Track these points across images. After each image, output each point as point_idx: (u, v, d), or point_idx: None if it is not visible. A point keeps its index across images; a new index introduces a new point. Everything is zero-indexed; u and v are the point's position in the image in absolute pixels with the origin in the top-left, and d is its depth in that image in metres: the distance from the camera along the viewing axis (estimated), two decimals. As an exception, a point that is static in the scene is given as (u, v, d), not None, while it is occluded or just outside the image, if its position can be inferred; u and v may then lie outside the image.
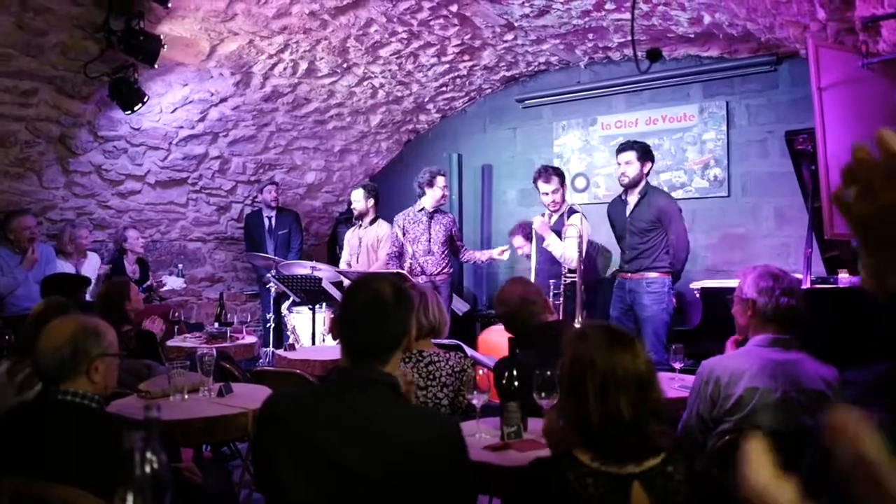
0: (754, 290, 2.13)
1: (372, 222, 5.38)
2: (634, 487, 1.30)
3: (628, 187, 4.29)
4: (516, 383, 2.05)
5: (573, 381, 1.41)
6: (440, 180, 4.92)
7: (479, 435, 2.06)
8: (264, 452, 1.50)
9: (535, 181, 4.60)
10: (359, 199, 5.33)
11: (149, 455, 1.10)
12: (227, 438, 3.25)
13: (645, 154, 4.25)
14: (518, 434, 1.99)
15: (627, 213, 4.30)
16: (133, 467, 1.08)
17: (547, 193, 4.53)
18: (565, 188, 4.58)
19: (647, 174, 4.27)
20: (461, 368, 2.37)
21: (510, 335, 2.48)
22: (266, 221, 6.23)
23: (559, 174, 4.55)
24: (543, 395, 2.02)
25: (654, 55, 3.08)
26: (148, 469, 1.10)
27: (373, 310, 1.51)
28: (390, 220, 5.25)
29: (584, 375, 1.38)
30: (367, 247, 5.39)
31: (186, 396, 2.58)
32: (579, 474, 1.33)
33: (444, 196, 4.95)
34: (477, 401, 2.10)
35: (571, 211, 4.51)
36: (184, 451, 2.61)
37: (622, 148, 4.34)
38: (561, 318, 4.25)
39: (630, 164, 4.25)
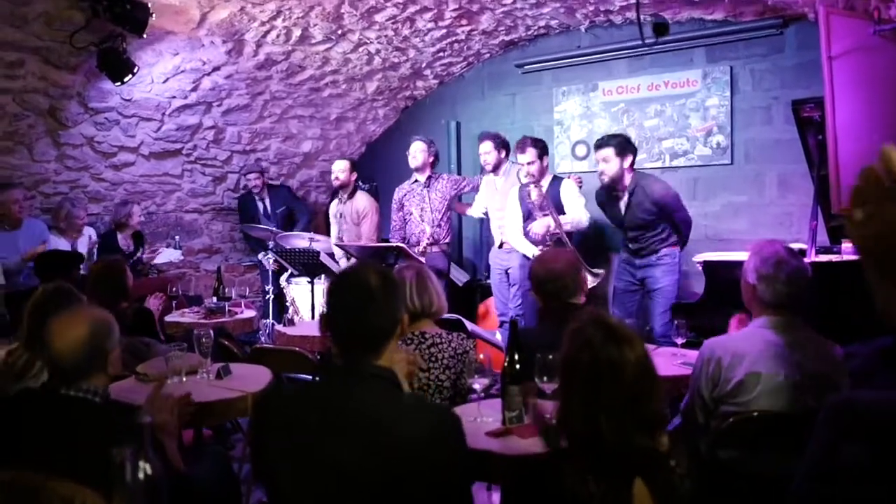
0: (755, 276, 2.08)
1: (351, 195, 5.33)
2: (636, 484, 1.28)
3: (610, 186, 4.01)
4: (518, 366, 2.03)
5: (567, 385, 1.40)
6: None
7: (480, 419, 2.03)
8: (260, 448, 1.48)
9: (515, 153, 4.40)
10: (343, 171, 5.27)
11: (141, 464, 1.08)
12: (226, 421, 3.25)
13: (624, 149, 3.92)
14: (520, 418, 1.96)
15: (622, 209, 4.05)
16: (125, 477, 1.06)
17: (523, 165, 4.31)
18: (545, 160, 4.37)
19: (631, 167, 3.97)
20: (463, 350, 2.34)
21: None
22: (260, 205, 6.07)
23: (537, 145, 4.31)
24: (546, 378, 1.99)
25: (661, 29, 2.96)
26: (141, 476, 1.09)
27: (360, 301, 1.47)
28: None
29: (573, 380, 1.36)
30: (349, 221, 5.34)
31: (185, 379, 2.55)
32: (579, 472, 1.30)
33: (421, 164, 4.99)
34: (478, 385, 2.07)
35: (557, 178, 4.41)
36: (183, 433, 2.61)
37: (598, 144, 4.00)
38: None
39: (608, 162, 3.93)
